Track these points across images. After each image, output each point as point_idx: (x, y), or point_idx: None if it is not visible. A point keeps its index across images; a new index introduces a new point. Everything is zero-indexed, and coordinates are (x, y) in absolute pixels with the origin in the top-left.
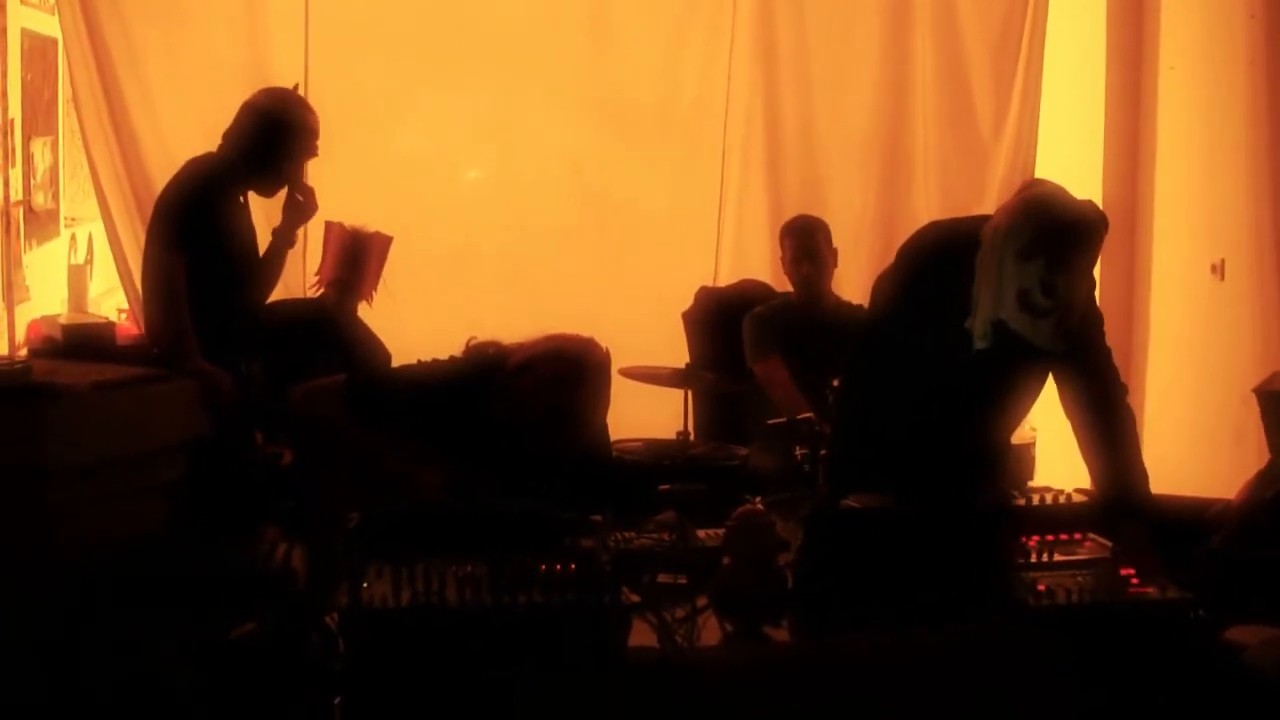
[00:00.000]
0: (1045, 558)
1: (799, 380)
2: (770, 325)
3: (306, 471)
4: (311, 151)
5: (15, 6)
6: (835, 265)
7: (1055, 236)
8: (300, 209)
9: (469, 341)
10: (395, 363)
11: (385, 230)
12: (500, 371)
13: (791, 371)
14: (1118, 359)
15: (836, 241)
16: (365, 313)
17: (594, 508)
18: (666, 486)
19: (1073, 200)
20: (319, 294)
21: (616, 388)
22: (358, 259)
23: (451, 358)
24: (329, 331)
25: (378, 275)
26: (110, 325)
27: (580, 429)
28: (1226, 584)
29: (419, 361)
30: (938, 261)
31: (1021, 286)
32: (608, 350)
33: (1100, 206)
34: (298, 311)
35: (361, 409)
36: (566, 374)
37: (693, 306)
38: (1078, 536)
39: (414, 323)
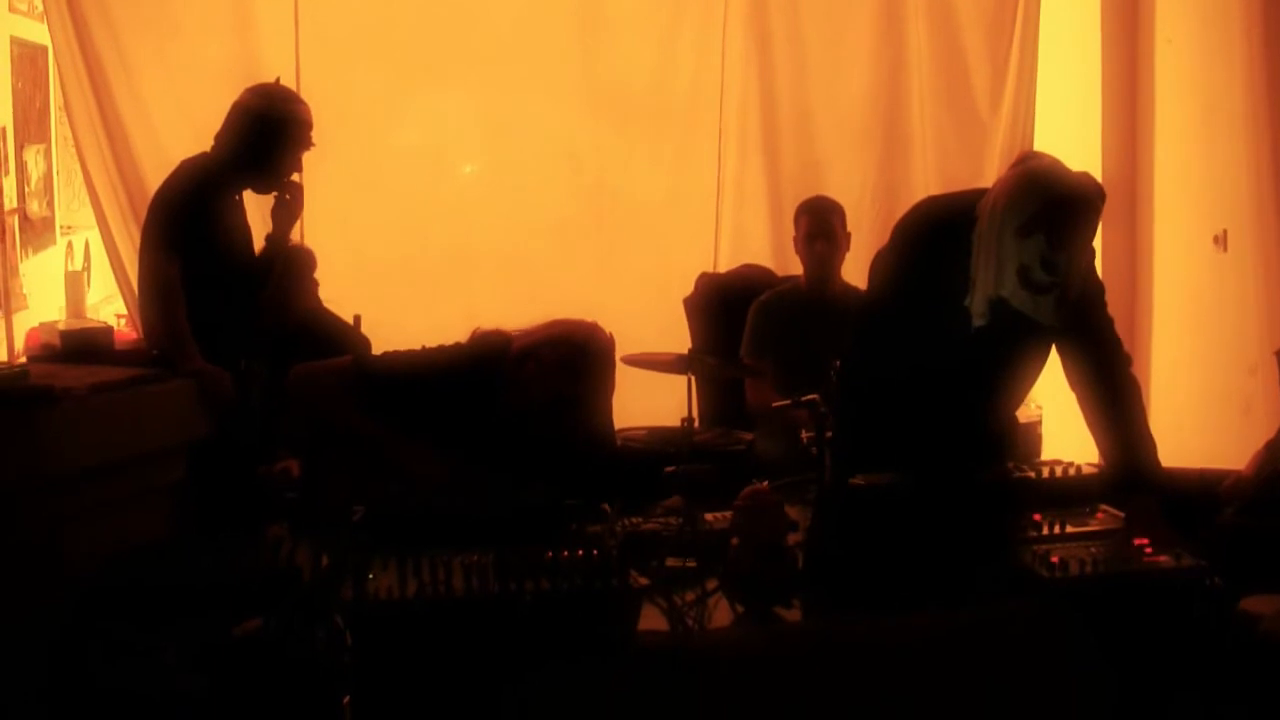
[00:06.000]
0: (1057, 530)
1: (805, 365)
2: (775, 316)
3: (309, 462)
4: (306, 142)
5: (3, 14)
6: (847, 249)
7: (1054, 212)
8: (289, 208)
9: (474, 332)
10: None
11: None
12: (505, 358)
13: (798, 356)
14: (1122, 332)
15: None
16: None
17: (600, 495)
18: (672, 469)
19: (1069, 173)
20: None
21: (619, 376)
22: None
23: (456, 344)
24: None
25: (311, 284)
26: (109, 329)
27: (585, 415)
28: (1241, 555)
29: (423, 347)
30: (933, 238)
31: (1022, 263)
32: (611, 335)
33: (1098, 179)
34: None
35: (364, 391)
36: (571, 359)
37: (694, 293)
38: (1089, 509)
39: (414, 319)
